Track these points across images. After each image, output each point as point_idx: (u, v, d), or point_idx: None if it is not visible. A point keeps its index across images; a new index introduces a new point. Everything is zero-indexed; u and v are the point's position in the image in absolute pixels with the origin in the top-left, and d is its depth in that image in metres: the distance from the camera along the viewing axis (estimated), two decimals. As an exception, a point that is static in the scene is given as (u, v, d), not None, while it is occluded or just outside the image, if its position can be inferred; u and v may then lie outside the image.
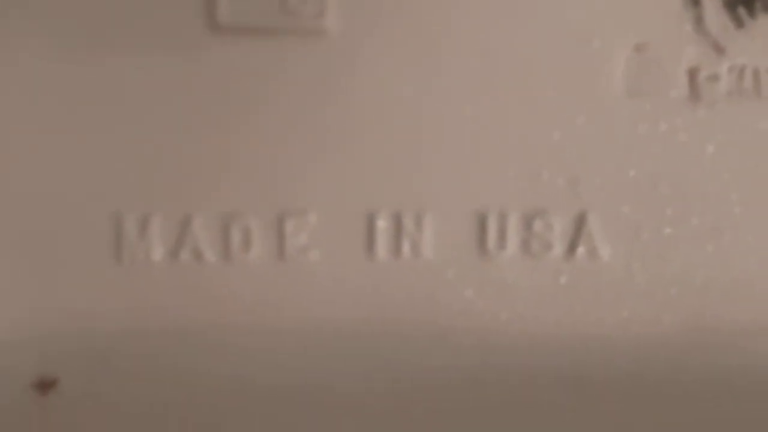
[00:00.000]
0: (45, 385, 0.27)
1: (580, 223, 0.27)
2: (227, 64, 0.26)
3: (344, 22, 0.26)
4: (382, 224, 0.27)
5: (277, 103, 0.26)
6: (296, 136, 0.27)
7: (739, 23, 0.27)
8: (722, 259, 0.28)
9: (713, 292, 0.28)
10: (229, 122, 0.26)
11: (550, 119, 0.27)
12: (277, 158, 0.27)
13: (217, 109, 0.26)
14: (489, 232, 0.27)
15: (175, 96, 0.26)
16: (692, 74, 0.27)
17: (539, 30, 0.27)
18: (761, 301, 0.28)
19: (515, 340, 0.28)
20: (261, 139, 0.27)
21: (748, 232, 0.28)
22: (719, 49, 0.27)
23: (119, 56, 0.26)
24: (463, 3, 0.27)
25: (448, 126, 0.27)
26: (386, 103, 0.27)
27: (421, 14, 0.26)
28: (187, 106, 0.26)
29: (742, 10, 0.27)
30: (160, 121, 0.26)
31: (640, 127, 0.27)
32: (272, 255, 0.27)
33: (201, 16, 0.26)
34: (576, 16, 0.27)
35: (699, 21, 0.27)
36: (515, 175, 0.27)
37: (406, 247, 0.27)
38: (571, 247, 0.28)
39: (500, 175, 0.27)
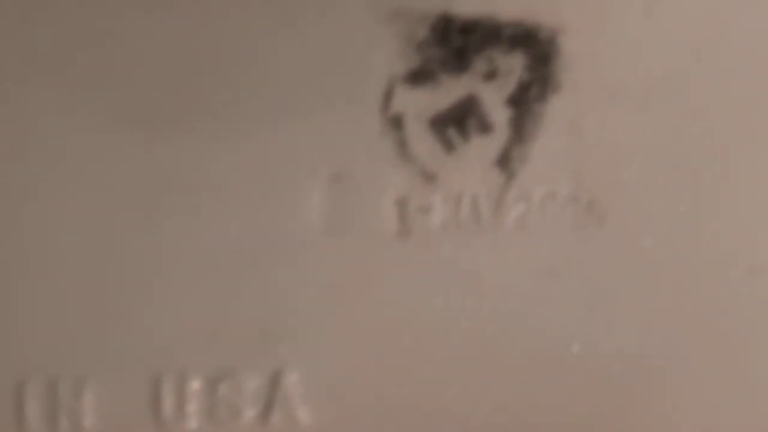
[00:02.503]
0: None
1: (274, 383, 0.24)
2: None
3: None
4: (32, 391, 0.23)
5: None
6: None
7: (450, 147, 0.24)
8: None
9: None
10: None
11: (237, 262, 0.23)
12: None
13: None
14: (165, 399, 0.23)
15: None
16: (400, 206, 0.24)
17: (221, 161, 0.23)
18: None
19: None
20: None
21: (473, 379, 0.24)
22: (429, 177, 0.24)
23: None
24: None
25: (113, 272, 0.23)
26: (35, 253, 0.23)
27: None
28: None
29: (452, 132, 0.24)
30: None
31: (342, 268, 0.24)
32: None
33: None
34: (260, 143, 0.23)
35: (403, 145, 0.24)
36: (196, 330, 0.23)
37: (64, 421, 0.23)
38: (265, 412, 0.23)
39: (177, 331, 0.23)
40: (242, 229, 0.23)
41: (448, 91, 0.24)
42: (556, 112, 0.24)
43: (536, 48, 0.24)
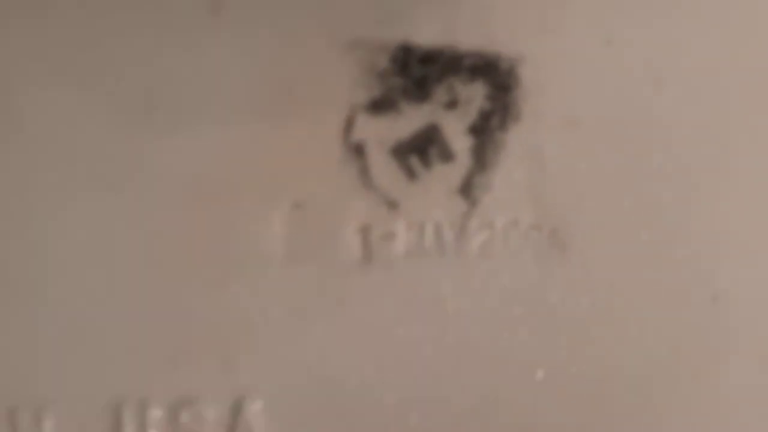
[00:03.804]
0: None
1: (236, 412, 0.23)
2: None
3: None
4: (-8, 424, 0.23)
5: None
6: None
7: (412, 175, 0.24)
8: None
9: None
10: None
11: (199, 290, 0.23)
12: None
13: None
14: (125, 428, 0.23)
15: None
16: (363, 233, 0.24)
17: (185, 189, 0.23)
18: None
19: None
20: None
21: (437, 406, 0.24)
22: (392, 205, 0.24)
23: None
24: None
25: (65, 301, 0.23)
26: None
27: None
28: None
29: (414, 160, 0.24)
30: None
31: (306, 296, 0.24)
32: None
33: None
34: (220, 173, 0.23)
35: (365, 173, 0.24)
36: (156, 358, 0.23)
37: (24, 451, 0.23)
38: (227, 441, 0.23)
39: (137, 358, 0.23)
40: (203, 257, 0.23)
41: (410, 120, 0.24)
42: (517, 140, 0.25)
43: (497, 77, 0.25)
